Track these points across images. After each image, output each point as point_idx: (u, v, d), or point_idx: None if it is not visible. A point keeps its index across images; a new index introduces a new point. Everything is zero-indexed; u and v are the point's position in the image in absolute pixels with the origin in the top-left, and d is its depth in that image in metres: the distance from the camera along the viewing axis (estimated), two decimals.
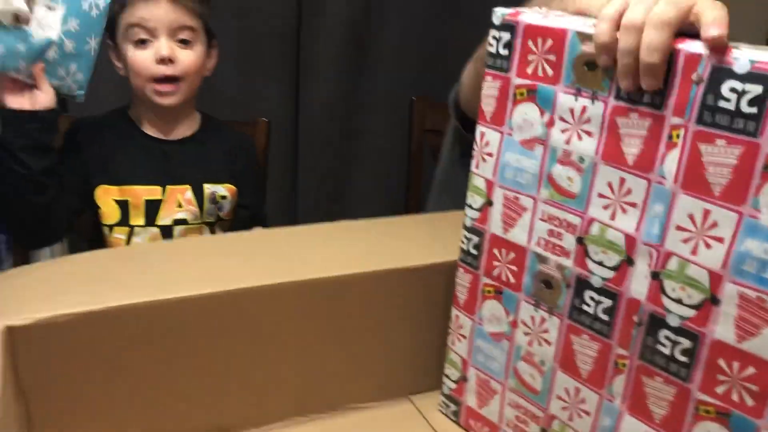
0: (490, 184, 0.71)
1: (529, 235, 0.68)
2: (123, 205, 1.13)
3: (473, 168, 0.72)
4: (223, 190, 1.19)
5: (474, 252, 0.74)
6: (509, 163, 0.68)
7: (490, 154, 0.70)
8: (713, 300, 0.54)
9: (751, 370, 0.53)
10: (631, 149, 0.58)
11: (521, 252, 0.69)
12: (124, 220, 1.13)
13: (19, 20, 0.87)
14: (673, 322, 0.57)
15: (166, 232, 1.15)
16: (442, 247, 0.78)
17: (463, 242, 0.75)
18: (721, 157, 0.52)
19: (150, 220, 1.14)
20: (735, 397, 0.54)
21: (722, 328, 0.54)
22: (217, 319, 0.65)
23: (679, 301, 0.56)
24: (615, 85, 0.58)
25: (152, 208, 1.14)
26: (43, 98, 0.94)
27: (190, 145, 1.19)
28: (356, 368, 0.76)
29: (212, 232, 1.21)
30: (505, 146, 0.68)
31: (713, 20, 0.49)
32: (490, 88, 0.68)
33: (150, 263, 0.70)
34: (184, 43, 1.10)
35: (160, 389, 0.65)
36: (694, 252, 0.55)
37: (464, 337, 0.78)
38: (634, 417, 0.62)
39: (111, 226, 1.13)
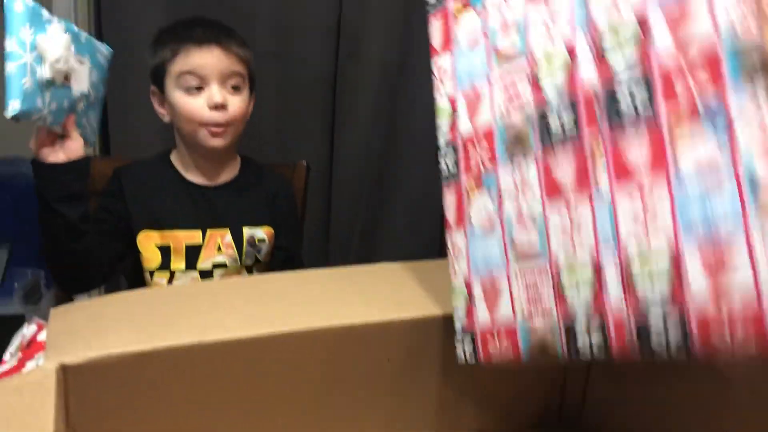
0: (452, 100, 0.79)
1: (492, 110, 0.74)
2: (164, 250, 1.15)
3: (437, 95, 0.81)
4: (262, 233, 1.21)
5: (453, 168, 0.80)
6: (462, 69, 0.78)
7: (445, 73, 0.80)
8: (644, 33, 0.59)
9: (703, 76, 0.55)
10: None
11: (490, 128, 0.75)
12: (165, 265, 1.15)
13: (67, 78, 0.93)
14: (624, 76, 0.61)
15: (206, 276, 1.17)
16: None
17: (442, 166, 0.81)
18: None
19: (190, 265, 1.16)
20: (697, 104, 0.56)
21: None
22: (267, 361, 0.65)
23: (621, 58, 0.61)
24: None
25: (193, 252, 1.16)
26: (75, 148, 0.98)
27: (230, 190, 1.21)
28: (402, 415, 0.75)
29: (250, 274, 1.22)
30: (456, 57, 0.79)
31: None
32: (432, 29, 0.82)
33: (198, 303, 0.71)
34: (234, 89, 1.14)
35: None
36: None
37: (460, 251, 0.79)
38: (621, 194, 0.61)
39: (152, 271, 1.15)
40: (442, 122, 0.81)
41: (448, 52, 0.81)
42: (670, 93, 0.58)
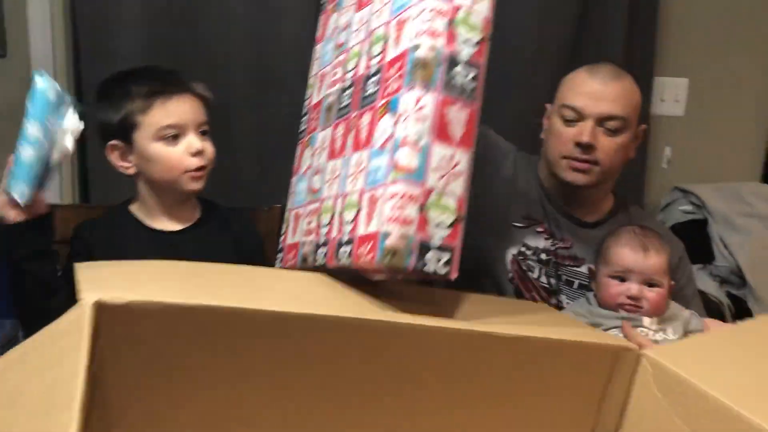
0: (315, 78, 1.13)
1: (326, 88, 1.01)
2: None
3: (310, 73, 1.15)
4: None
5: (303, 126, 1.14)
6: (322, 54, 1.10)
7: (317, 59, 1.13)
8: (385, 40, 0.81)
9: (398, 63, 0.76)
10: None
11: (321, 101, 1.02)
12: None
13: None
14: (373, 70, 0.83)
15: None
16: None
17: (301, 125, 1.14)
18: None
19: None
20: (392, 87, 0.76)
21: (390, 49, 0.79)
22: (295, 343, 0.61)
23: (376, 55, 0.83)
24: None
25: None
26: (38, 205, 0.99)
27: (195, 233, 1.20)
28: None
29: None
30: (322, 46, 1.11)
31: None
32: (319, 23, 1.15)
33: (250, 278, 0.70)
34: (205, 134, 1.15)
35: (228, 405, 0.60)
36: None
37: (291, 192, 1.10)
38: (355, 152, 0.83)
39: None
40: (307, 94, 1.11)
41: (321, 42, 1.09)
42: (384, 88, 0.78)
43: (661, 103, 1.91)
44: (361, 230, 0.74)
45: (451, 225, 0.71)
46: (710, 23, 1.87)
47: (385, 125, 0.75)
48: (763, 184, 1.90)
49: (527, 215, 1.25)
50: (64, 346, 0.53)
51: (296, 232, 1.00)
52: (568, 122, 1.16)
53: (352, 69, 0.90)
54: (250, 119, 1.71)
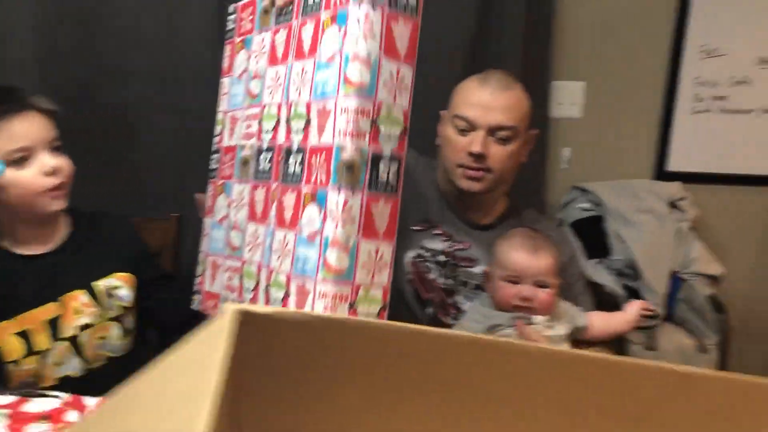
0: (225, 114, 1.09)
1: (238, 135, 1.02)
2: (23, 335, 1.10)
3: (218, 108, 1.11)
4: (116, 281, 1.18)
5: (215, 166, 1.08)
6: (233, 94, 1.06)
7: (225, 94, 1.08)
8: (308, 121, 0.82)
9: (323, 155, 0.77)
10: (279, 51, 0.94)
11: (234, 149, 1.02)
12: (29, 350, 1.10)
13: None
14: (295, 146, 0.84)
15: (73, 340, 1.13)
16: None
17: (210, 163, 1.08)
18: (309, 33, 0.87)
19: (56, 337, 1.12)
20: (319, 179, 0.77)
21: (312, 136, 0.80)
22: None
23: (296, 132, 0.84)
24: (273, 16, 0.95)
25: (53, 324, 1.12)
26: None
27: (69, 249, 1.17)
28: None
29: (120, 323, 1.17)
30: (232, 83, 1.05)
31: None
32: (225, 53, 1.09)
33: None
34: (58, 149, 1.10)
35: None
36: (299, 95, 0.84)
37: (206, 234, 1.07)
38: (279, 229, 0.85)
39: (15, 360, 1.09)
40: (217, 130, 1.08)
41: (229, 75, 1.06)
42: (309, 173, 0.80)
43: (559, 106, 1.99)
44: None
45: (377, 313, 0.77)
46: (604, 30, 1.97)
47: (311, 215, 0.77)
48: (654, 181, 2.01)
49: (426, 219, 1.29)
50: (203, 352, 0.48)
51: (215, 282, 1.01)
52: (461, 131, 1.20)
53: (270, 131, 0.90)
54: (150, 123, 1.68)
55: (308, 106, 0.82)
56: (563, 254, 1.23)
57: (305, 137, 0.81)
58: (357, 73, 0.73)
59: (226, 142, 1.04)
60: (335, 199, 0.73)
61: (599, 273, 1.85)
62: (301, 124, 0.82)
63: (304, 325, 0.50)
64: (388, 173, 0.76)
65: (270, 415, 0.53)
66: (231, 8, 1.08)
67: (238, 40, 1.05)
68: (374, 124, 0.74)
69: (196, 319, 1.04)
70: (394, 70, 0.75)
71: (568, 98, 1.99)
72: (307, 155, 0.80)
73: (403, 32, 0.75)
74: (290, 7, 0.89)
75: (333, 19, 0.78)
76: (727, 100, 2.00)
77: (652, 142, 2.04)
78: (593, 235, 1.90)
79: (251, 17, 1.00)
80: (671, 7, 1.96)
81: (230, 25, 1.07)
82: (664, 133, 2.03)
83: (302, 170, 0.80)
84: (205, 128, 1.65)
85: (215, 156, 1.08)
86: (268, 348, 0.50)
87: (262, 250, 0.88)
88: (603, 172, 2.01)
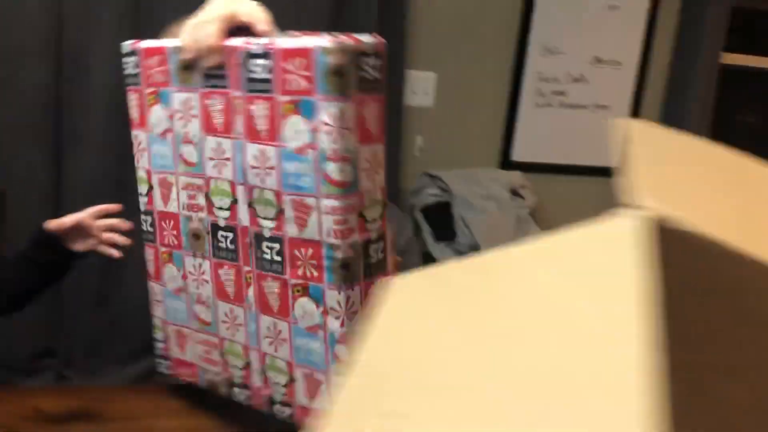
0: (148, 173, 0.96)
1: (178, 202, 0.93)
2: None
3: (136, 163, 0.97)
4: None
5: (150, 229, 0.98)
6: (156, 153, 0.94)
7: (143, 150, 0.96)
8: (280, 211, 0.81)
9: (310, 251, 0.79)
10: (219, 120, 0.84)
11: (176, 218, 0.94)
12: None
13: None
14: (267, 233, 0.83)
15: None
16: None
17: (142, 224, 0.99)
18: (261, 112, 0.78)
19: None
20: (308, 273, 0.79)
21: (290, 227, 0.80)
22: None
23: (266, 218, 0.83)
24: (200, 77, 0.85)
25: None
26: None
27: None
28: None
29: None
30: (150, 141, 0.95)
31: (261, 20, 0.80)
32: (130, 100, 0.96)
33: None
34: None
35: None
36: (262, 182, 0.81)
37: (159, 301, 1.00)
38: (265, 315, 0.86)
39: None
40: (141, 189, 0.98)
41: (143, 130, 0.95)
42: (295, 267, 0.81)
43: (413, 95, 2.06)
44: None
45: None
46: (456, 24, 2.05)
47: (307, 308, 0.81)
48: (499, 169, 2.13)
49: None
50: (612, 265, 0.35)
51: (186, 351, 0.99)
52: None
53: (225, 209, 0.87)
54: None
55: (278, 196, 0.79)
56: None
57: (279, 227, 0.80)
58: (339, 172, 0.73)
59: (161, 206, 0.95)
60: (332, 296, 0.78)
61: (446, 255, 1.95)
62: (272, 212, 0.81)
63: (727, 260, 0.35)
64: (378, 252, 0.80)
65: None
66: (126, 48, 0.94)
67: (147, 91, 0.92)
68: (361, 215, 0.77)
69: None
70: (370, 154, 0.76)
71: (421, 87, 2.07)
72: (287, 246, 0.80)
73: (374, 112, 0.75)
74: (222, 72, 0.81)
75: (296, 107, 0.74)
76: (566, 96, 2.15)
77: (498, 133, 2.16)
78: (442, 219, 2.00)
79: (162, 68, 0.89)
80: (517, 6, 2.08)
81: (130, 70, 0.94)
82: (509, 125, 2.15)
83: (282, 260, 0.81)
84: (42, 103, 1.61)
85: (147, 218, 0.98)
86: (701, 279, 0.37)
87: (245, 333, 0.89)
88: (452, 160, 2.11)
